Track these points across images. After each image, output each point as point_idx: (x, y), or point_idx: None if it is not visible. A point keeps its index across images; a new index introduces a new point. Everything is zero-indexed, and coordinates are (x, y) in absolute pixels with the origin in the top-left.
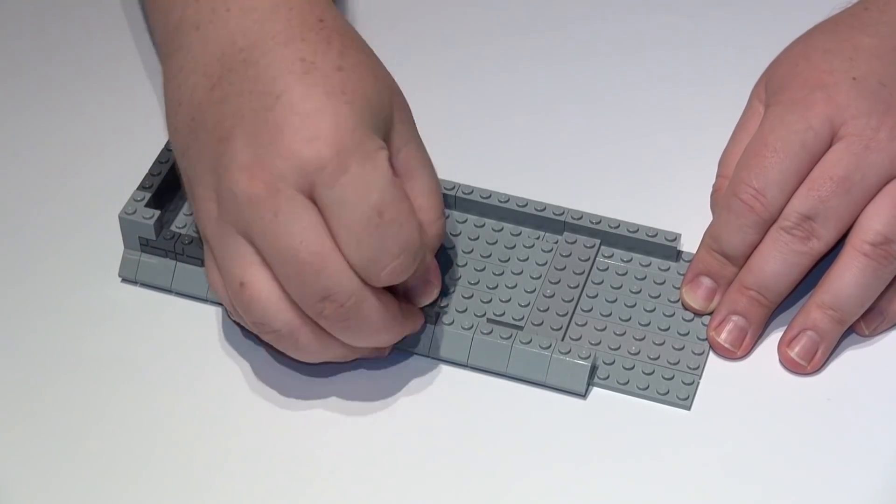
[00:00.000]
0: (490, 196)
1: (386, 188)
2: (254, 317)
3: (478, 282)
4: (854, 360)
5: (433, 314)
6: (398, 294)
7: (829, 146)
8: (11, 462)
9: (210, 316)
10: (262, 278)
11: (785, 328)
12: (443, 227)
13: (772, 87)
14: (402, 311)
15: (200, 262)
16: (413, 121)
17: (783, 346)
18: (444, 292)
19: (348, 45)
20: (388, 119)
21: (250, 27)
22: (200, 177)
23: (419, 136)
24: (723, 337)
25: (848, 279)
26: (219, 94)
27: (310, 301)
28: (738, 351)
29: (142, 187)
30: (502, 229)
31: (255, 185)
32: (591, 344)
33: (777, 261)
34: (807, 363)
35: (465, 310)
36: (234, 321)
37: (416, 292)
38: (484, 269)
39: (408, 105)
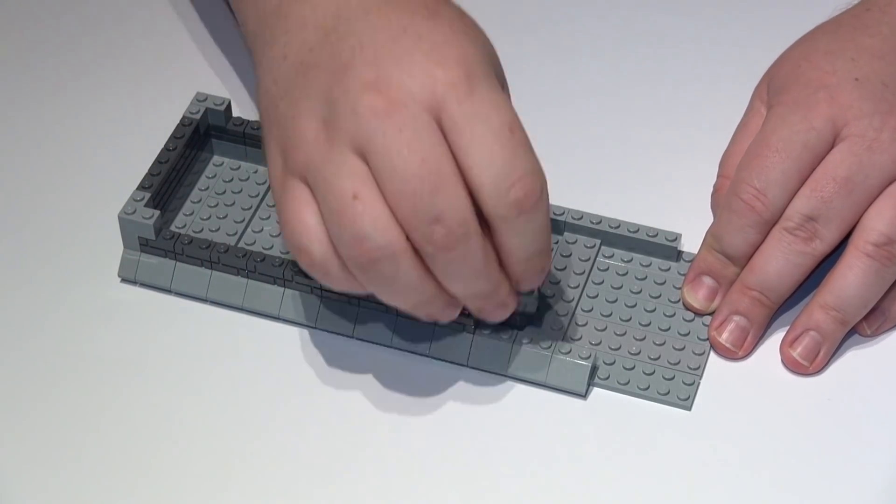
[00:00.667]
0: None
1: (513, 112)
2: (363, 229)
3: None
4: (856, 360)
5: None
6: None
7: (832, 147)
8: (11, 462)
9: (210, 316)
10: (374, 194)
11: (787, 328)
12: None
13: (774, 88)
14: (507, 281)
15: (200, 263)
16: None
17: (785, 346)
18: None
19: (463, 11)
20: (501, 79)
21: None
22: (306, 111)
23: None
24: (724, 337)
25: (851, 280)
26: (335, 36)
27: (421, 223)
28: (739, 351)
29: (141, 187)
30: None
31: (381, 101)
32: (592, 344)
33: (779, 261)
34: (809, 363)
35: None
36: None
37: (526, 274)
38: None
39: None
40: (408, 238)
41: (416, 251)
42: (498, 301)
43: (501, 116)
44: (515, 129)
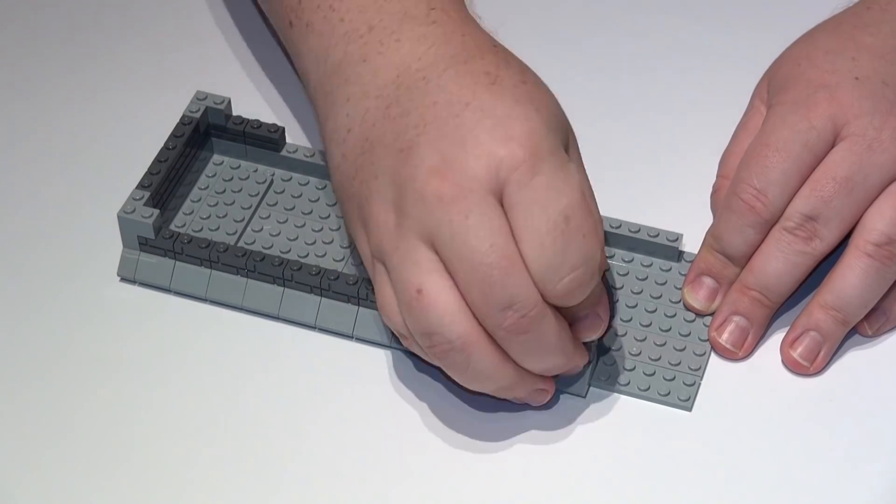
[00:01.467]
0: None
1: (576, 196)
2: (429, 326)
3: None
4: (857, 360)
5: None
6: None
7: (832, 146)
8: (8, 460)
9: (209, 316)
10: (442, 286)
11: (787, 329)
12: (605, 260)
13: (774, 88)
14: (578, 343)
15: (199, 262)
16: (579, 149)
17: (786, 346)
18: None
19: (524, 67)
20: (566, 139)
21: (425, 52)
22: (376, 192)
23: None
24: (724, 337)
25: (851, 280)
26: (397, 110)
27: (492, 309)
28: (739, 352)
29: (141, 186)
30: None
31: (446, 186)
32: (592, 344)
33: (779, 261)
34: (809, 364)
35: None
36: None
37: (586, 324)
38: None
39: (574, 135)
40: (480, 324)
41: (490, 338)
42: (574, 366)
43: (560, 202)
44: (573, 216)
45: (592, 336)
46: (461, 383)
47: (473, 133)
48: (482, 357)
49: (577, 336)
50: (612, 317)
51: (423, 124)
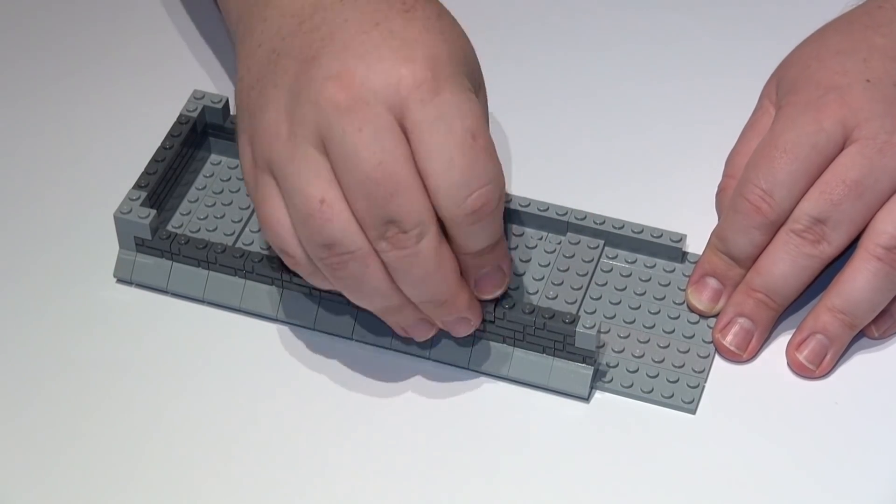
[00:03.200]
0: None
1: (478, 118)
2: (332, 236)
3: None
4: (863, 363)
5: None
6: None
7: (842, 149)
8: (4, 463)
9: (207, 317)
10: (339, 196)
11: (792, 331)
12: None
13: (783, 88)
14: (465, 284)
15: (197, 263)
16: (487, 103)
17: (792, 349)
18: None
19: (445, 10)
20: (473, 82)
21: None
22: (273, 100)
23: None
24: (728, 339)
25: (860, 283)
26: (308, 26)
27: (375, 222)
28: (743, 354)
29: (137, 186)
30: (504, 230)
31: (343, 95)
32: (595, 347)
33: (786, 263)
34: (815, 367)
35: None
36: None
37: (488, 281)
38: None
39: (486, 91)
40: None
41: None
42: (457, 311)
43: (465, 121)
44: (479, 135)
45: (495, 291)
46: (351, 298)
47: (378, 49)
48: (375, 273)
49: (480, 293)
50: (579, 307)
51: (330, 37)
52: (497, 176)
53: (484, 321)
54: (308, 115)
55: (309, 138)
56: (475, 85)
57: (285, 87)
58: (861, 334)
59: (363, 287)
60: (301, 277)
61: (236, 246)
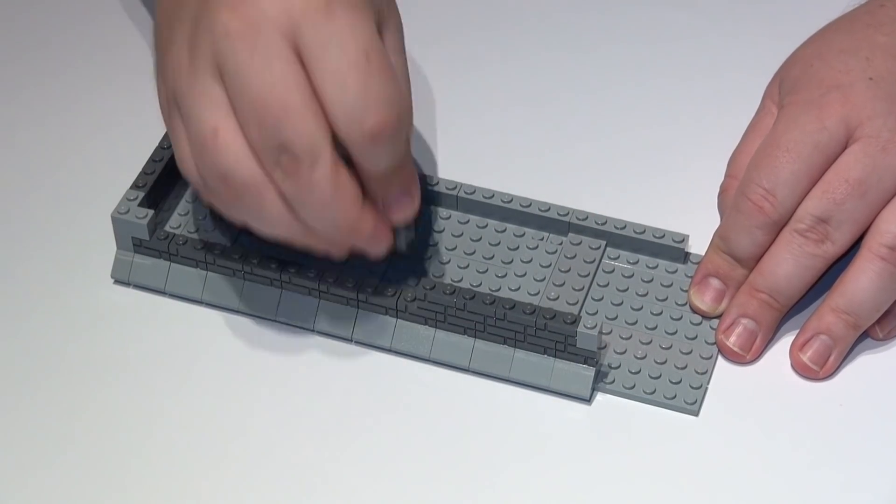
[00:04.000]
0: (493, 196)
1: (373, 39)
2: (225, 167)
3: (480, 284)
4: (868, 364)
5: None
6: (377, 207)
7: (845, 148)
8: (1, 463)
9: (205, 319)
10: (233, 126)
11: (796, 332)
12: (411, 121)
13: (786, 87)
14: (368, 211)
15: (195, 264)
16: (403, 37)
17: (795, 350)
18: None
19: None
20: (381, 12)
21: None
22: (178, 33)
23: (405, 51)
24: (732, 340)
25: (864, 283)
26: None
27: (268, 150)
28: (747, 355)
29: (135, 186)
30: (505, 230)
31: (235, 21)
32: (596, 348)
33: (789, 263)
34: (819, 368)
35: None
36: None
37: (395, 206)
38: (486, 271)
39: (401, 22)
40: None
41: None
42: (363, 237)
43: (359, 42)
44: (373, 56)
45: (402, 215)
46: (256, 230)
47: None
48: (273, 202)
49: (389, 217)
50: (580, 308)
51: None
52: (394, 97)
53: (485, 322)
54: (205, 45)
55: (207, 68)
56: (380, 11)
57: (188, 20)
58: (865, 335)
59: (263, 218)
60: (300, 279)
61: (235, 246)
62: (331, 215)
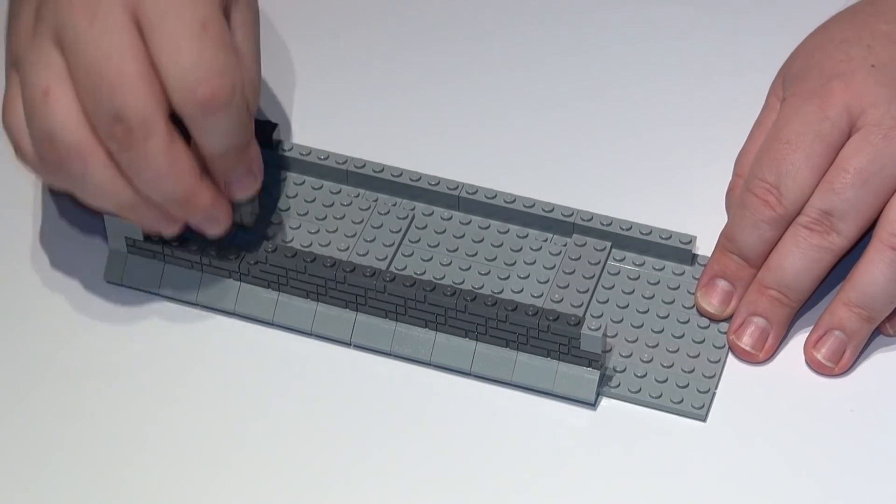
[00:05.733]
0: (495, 196)
1: (212, 10)
2: (51, 129)
3: (482, 286)
4: (880, 367)
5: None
6: (219, 185)
7: (848, 137)
8: None
9: (200, 321)
10: (66, 90)
11: (807, 331)
12: (254, 95)
13: (788, 82)
14: (207, 185)
15: (190, 265)
16: (257, 12)
17: (809, 347)
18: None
19: None
20: None
21: None
22: (27, 4)
23: (258, 29)
24: (744, 340)
25: (876, 275)
26: None
27: (102, 119)
28: (760, 354)
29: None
30: (508, 231)
31: None
32: (602, 351)
33: (796, 257)
34: (834, 364)
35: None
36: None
37: (236, 184)
38: (489, 272)
39: (255, 2)
40: (97, 136)
41: (108, 151)
42: (200, 210)
43: (196, 12)
44: (210, 26)
45: (244, 194)
46: (82, 198)
47: None
48: (99, 169)
49: (230, 196)
50: (585, 310)
51: None
52: (230, 68)
53: (487, 325)
54: (49, 12)
55: (48, 34)
56: None
57: None
58: (877, 332)
59: (87, 185)
60: (298, 283)
61: (231, 247)
62: (167, 186)
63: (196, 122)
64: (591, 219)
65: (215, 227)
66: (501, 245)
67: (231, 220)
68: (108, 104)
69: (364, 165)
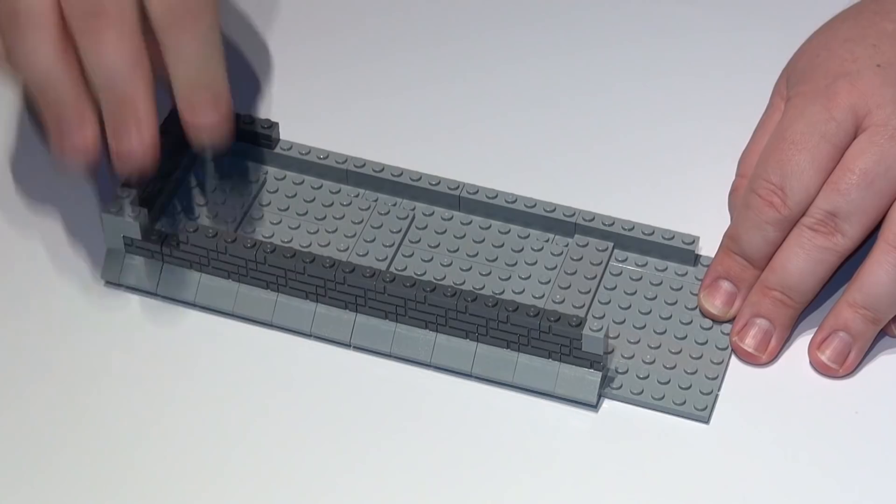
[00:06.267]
0: (496, 196)
1: None
2: None
3: (483, 287)
4: (885, 369)
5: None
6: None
7: (854, 138)
8: None
9: (198, 323)
10: None
11: (812, 332)
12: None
13: (792, 81)
14: (150, 103)
15: (189, 265)
16: None
17: (813, 348)
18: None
19: None
20: None
21: None
22: None
23: None
24: (747, 342)
25: (881, 276)
26: None
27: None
28: (763, 356)
29: (126, 183)
30: (509, 231)
31: None
32: (603, 352)
33: (800, 258)
34: (839, 366)
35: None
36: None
37: (200, 105)
38: (489, 273)
39: None
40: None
41: (65, 31)
42: (132, 114)
43: None
44: None
45: (205, 119)
46: (13, 62)
47: None
48: (48, 36)
49: (193, 119)
50: (587, 311)
51: None
52: None
53: (487, 325)
54: None
55: None
56: None
57: None
58: (883, 334)
59: (28, 47)
60: (297, 284)
61: (231, 246)
62: (117, 73)
63: (166, 35)
64: (594, 219)
65: (135, 150)
66: (503, 245)
67: (155, 157)
68: None
69: (364, 165)
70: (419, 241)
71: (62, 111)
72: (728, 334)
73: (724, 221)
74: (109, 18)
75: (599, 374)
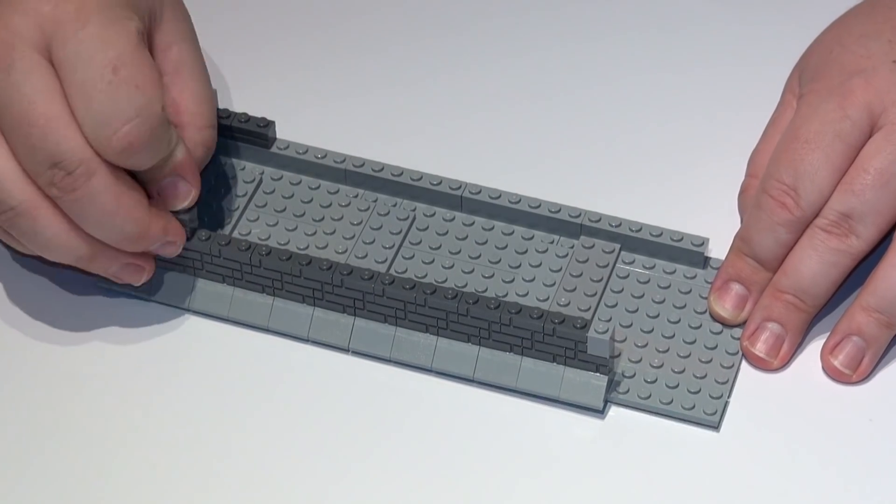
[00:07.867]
0: (500, 196)
1: (126, 48)
2: None
3: (486, 290)
4: None
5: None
6: (152, 198)
7: (870, 136)
8: None
9: (194, 327)
10: (5, 151)
11: (825, 336)
12: (211, 138)
13: (805, 77)
14: (155, 212)
15: (183, 269)
16: (190, 22)
17: (826, 353)
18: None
19: None
20: (153, 9)
21: None
22: None
23: (196, 39)
24: (758, 347)
25: (895, 279)
26: None
27: (39, 168)
28: (774, 361)
29: None
30: (513, 233)
31: None
32: (610, 356)
33: (814, 261)
34: (852, 372)
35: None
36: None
37: (170, 192)
38: (493, 275)
39: (185, 8)
40: (41, 190)
41: (55, 203)
42: (156, 239)
43: (106, 54)
44: (122, 67)
45: (180, 203)
46: (41, 253)
47: None
48: (48, 223)
49: (166, 206)
50: (593, 314)
51: None
52: (143, 109)
53: (490, 329)
54: None
55: None
56: (150, 8)
57: None
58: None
59: (41, 241)
60: (294, 287)
61: (226, 249)
62: (119, 224)
63: (116, 161)
64: (600, 220)
65: (172, 249)
66: (506, 247)
67: (185, 238)
68: (43, 151)
69: (363, 164)
70: (420, 242)
71: (108, 272)
72: (739, 338)
73: (733, 222)
74: (76, 175)
75: (606, 378)
